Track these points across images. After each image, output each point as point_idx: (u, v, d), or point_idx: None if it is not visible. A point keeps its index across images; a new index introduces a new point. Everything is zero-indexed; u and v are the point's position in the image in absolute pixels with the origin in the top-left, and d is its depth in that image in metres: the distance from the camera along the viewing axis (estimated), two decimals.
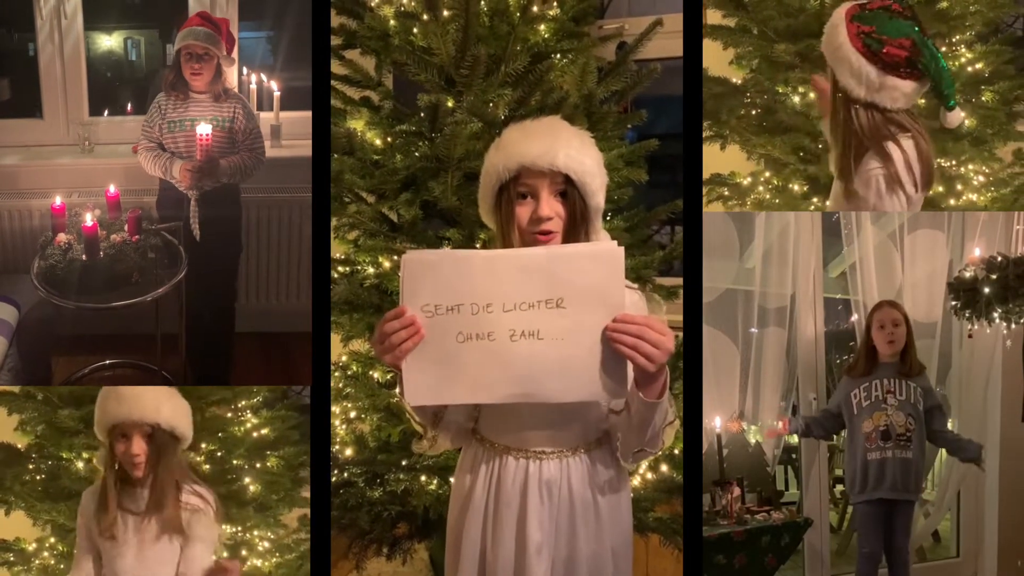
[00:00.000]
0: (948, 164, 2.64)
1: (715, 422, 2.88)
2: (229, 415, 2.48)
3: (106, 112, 3.57)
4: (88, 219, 2.63)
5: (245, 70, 3.47)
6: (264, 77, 3.46)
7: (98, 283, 2.59)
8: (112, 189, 2.88)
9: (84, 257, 2.62)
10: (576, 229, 1.51)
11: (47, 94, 3.46)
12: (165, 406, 1.91)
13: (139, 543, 1.89)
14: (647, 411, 1.46)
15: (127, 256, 2.64)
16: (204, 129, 2.79)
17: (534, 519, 1.58)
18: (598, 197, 1.52)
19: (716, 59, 2.79)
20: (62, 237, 2.68)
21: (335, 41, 2.52)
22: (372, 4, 2.49)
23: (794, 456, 3.35)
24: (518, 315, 1.37)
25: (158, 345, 3.09)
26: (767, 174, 2.81)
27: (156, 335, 3.09)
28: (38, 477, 2.40)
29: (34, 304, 2.71)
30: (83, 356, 3.12)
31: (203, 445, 2.42)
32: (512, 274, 1.37)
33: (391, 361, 1.39)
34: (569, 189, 1.49)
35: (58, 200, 2.78)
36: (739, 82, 2.80)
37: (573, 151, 1.49)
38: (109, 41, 3.75)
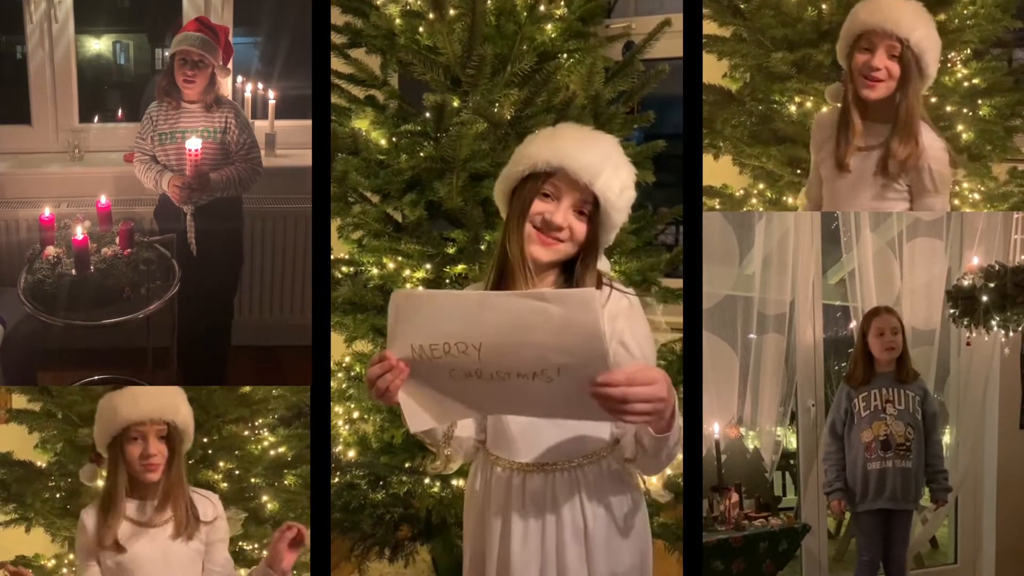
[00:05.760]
0: None
1: (714, 428, 2.88)
2: (246, 433, 2.48)
3: (96, 118, 3.50)
4: (79, 232, 2.56)
5: (240, 78, 3.39)
6: (260, 85, 3.40)
7: (88, 299, 2.52)
8: (103, 200, 2.81)
9: (74, 272, 2.54)
10: (588, 254, 1.51)
11: (36, 100, 3.39)
12: (183, 405, 1.89)
13: (155, 551, 1.84)
14: (658, 443, 1.44)
15: (118, 271, 2.57)
16: (193, 144, 2.72)
17: (519, 533, 1.57)
18: (611, 235, 1.52)
19: (711, 69, 2.77)
20: (51, 250, 2.62)
21: (340, 40, 2.49)
22: (378, 3, 2.47)
23: (792, 462, 3.34)
24: (508, 359, 1.31)
25: (149, 359, 3.03)
26: (760, 186, 2.79)
27: (147, 349, 3.02)
28: (57, 495, 2.41)
29: (20, 320, 2.62)
30: (70, 371, 3.03)
31: (221, 463, 2.43)
32: (498, 316, 1.30)
33: (385, 403, 1.39)
34: (594, 213, 1.48)
35: (47, 211, 2.71)
36: (735, 90, 2.79)
37: (616, 180, 1.47)
38: (97, 44, 3.68)
